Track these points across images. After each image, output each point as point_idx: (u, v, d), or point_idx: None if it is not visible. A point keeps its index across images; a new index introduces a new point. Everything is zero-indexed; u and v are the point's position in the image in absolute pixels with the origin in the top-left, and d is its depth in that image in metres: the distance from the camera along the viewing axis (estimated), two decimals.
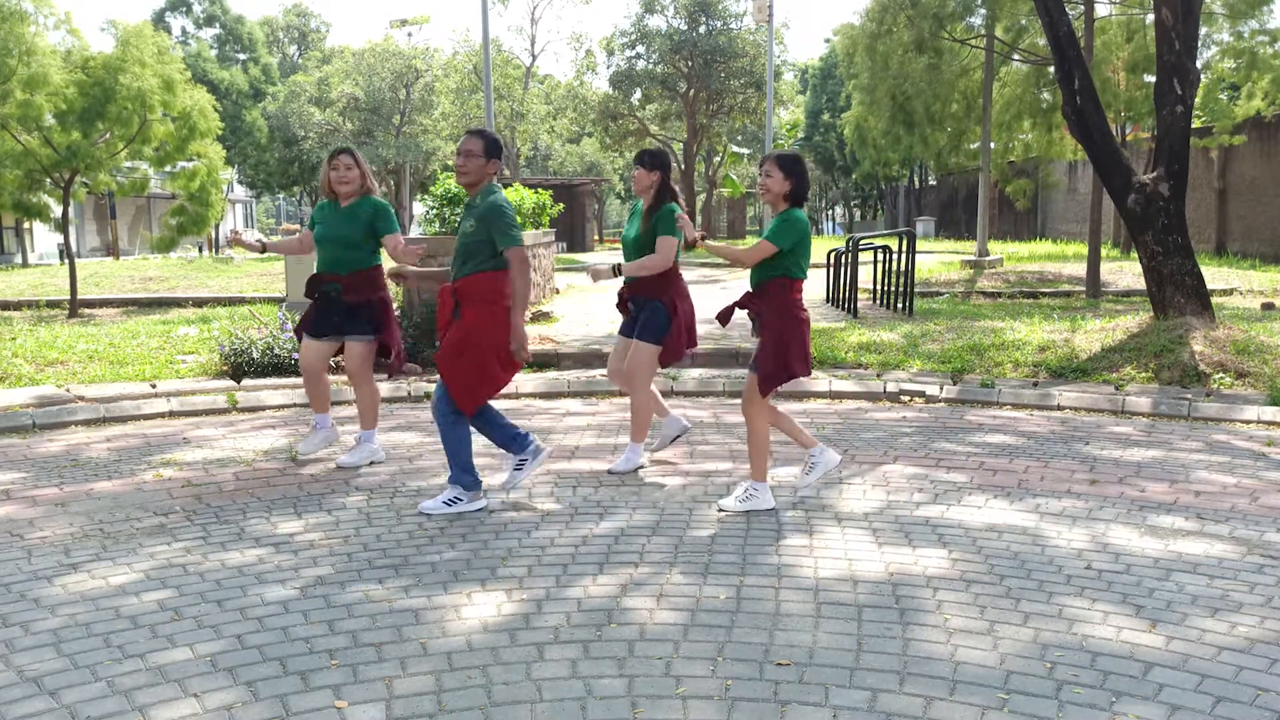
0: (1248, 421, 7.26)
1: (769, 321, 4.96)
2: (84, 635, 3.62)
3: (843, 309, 13.45)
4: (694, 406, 7.94)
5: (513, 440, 5.26)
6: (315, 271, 5.99)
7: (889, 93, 20.58)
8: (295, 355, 9.01)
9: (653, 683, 3.23)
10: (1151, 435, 6.87)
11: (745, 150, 48.78)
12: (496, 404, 8.22)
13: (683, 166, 38.22)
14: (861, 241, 13.71)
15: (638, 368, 5.72)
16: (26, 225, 33.40)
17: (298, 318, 9.93)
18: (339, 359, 6.15)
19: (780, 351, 4.93)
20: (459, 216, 10.42)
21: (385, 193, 49.50)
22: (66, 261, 18.14)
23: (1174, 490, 5.45)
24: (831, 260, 14.52)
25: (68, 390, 8.23)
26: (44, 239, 35.45)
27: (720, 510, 5.08)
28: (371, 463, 6.07)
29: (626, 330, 5.91)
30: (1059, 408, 7.82)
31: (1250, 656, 3.41)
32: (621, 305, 5.86)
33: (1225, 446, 6.50)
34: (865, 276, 15.46)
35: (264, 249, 6.23)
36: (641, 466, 5.92)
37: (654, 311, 5.67)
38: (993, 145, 22.27)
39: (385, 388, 8.34)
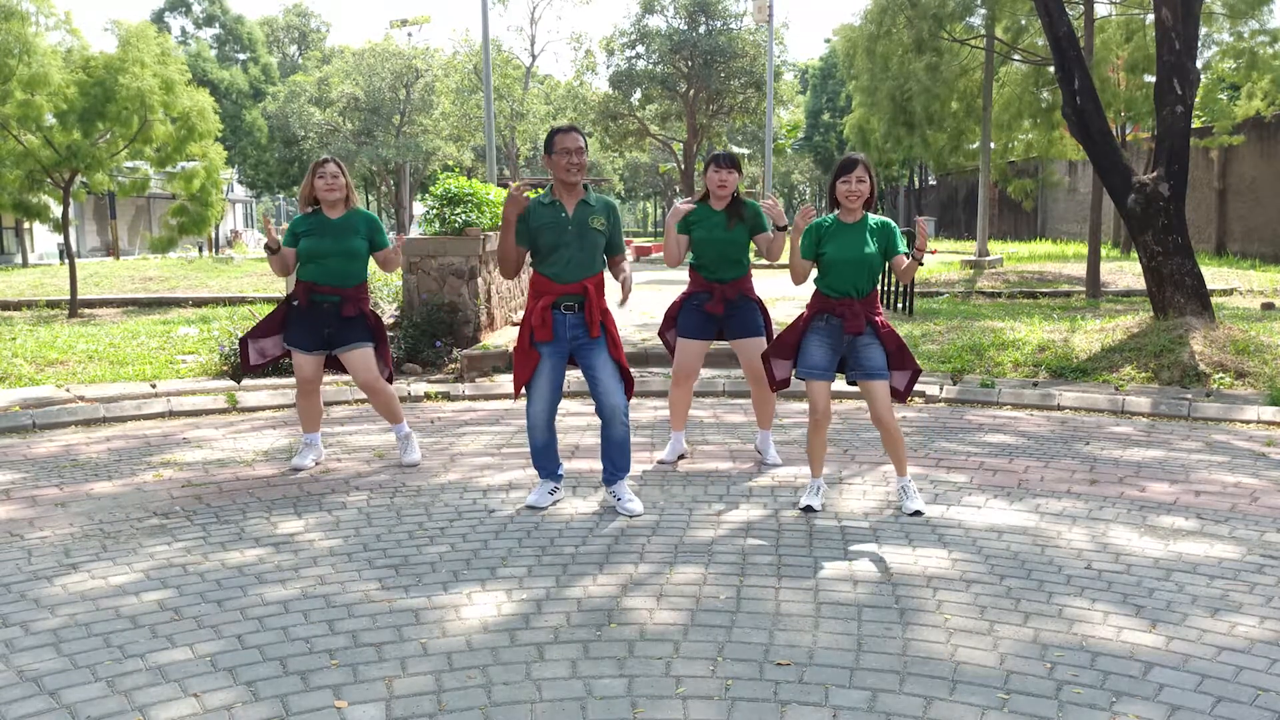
0: (1248, 421, 7.26)
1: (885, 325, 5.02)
2: (84, 635, 3.62)
3: None
4: (695, 406, 7.94)
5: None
6: (305, 282, 5.78)
7: (889, 94, 20.59)
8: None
9: (653, 683, 3.23)
10: (1151, 435, 6.87)
11: (745, 150, 48.77)
12: (498, 404, 8.23)
13: (682, 166, 38.23)
14: None
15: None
16: (26, 225, 33.37)
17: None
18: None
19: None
20: (459, 216, 10.43)
21: (386, 192, 49.52)
22: (66, 261, 18.14)
23: (1174, 490, 5.45)
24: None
25: (68, 390, 8.23)
26: (44, 239, 35.43)
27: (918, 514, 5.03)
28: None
29: (706, 331, 5.83)
30: (1059, 408, 7.82)
31: (1250, 656, 3.41)
32: (715, 305, 5.74)
33: (1225, 446, 6.50)
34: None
35: (277, 249, 5.79)
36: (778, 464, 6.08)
37: (756, 308, 5.87)
38: (993, 145, 22.27)
39: None
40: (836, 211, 5.04)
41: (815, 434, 5.11)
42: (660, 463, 6.10)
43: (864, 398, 5.05)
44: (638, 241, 32.35)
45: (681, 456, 6.19)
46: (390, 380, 6.06)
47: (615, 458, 5.13)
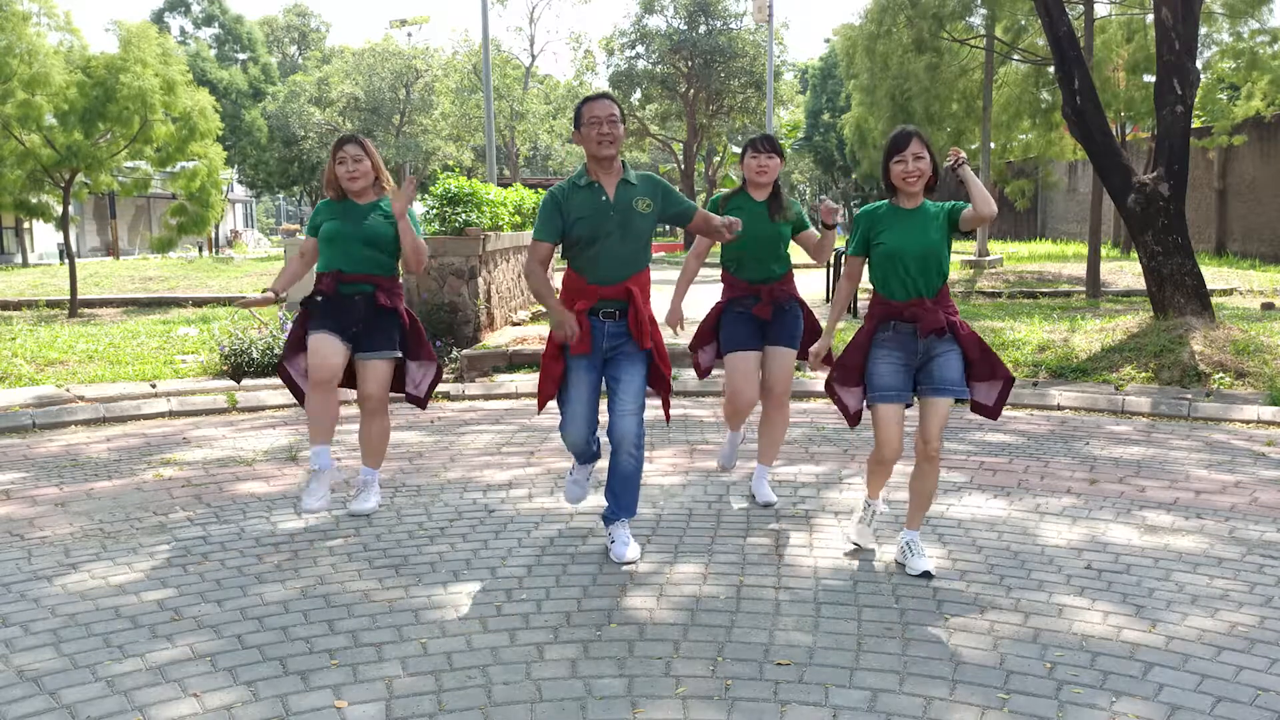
0: (1247, 421, 7.26)
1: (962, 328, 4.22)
2: (84, 635, 3.62)
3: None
4: (695, 406, 7.94)
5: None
6: (330, 271, 4.89)
7: (889, 93, 20.57)
8: None
9: (653, 683, 3.23)
10: (1151, 435, 6.87)
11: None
12: (499, 404, 8.22)
13: (683, 166, 38.24)
14: None
15: (790, 376, 5.20)
16: (26, 225, 33.38)
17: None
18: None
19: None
20: (459, 216, 10.42)
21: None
22: (66, 261, 18.13)
23: (1173, 489, 5.45)
24: (832, 260, 14.51)
25: (68, 390, 8.23)
26: (44, 239, 35.42)
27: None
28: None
29: (758, 339, 5.07)
30: (1058, 407, 7.82)
31: (1250, 656, 3.41)
32: (764, 309, 5.01)
33: (1224, 446, 6.50)
34: (865, 276, 15.45)
35: (276, 296, 5.09)
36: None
37: (800, 314, 5.20)
38: (992, 145, 22.27)
39: None
40: (889, 199, 4.24)
41: (876, 465, 4.38)
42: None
43: (920, 414, 4.20)
44: None
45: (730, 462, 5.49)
46: (427, 401, 5.20)
47: (619, 492, 4.35)
